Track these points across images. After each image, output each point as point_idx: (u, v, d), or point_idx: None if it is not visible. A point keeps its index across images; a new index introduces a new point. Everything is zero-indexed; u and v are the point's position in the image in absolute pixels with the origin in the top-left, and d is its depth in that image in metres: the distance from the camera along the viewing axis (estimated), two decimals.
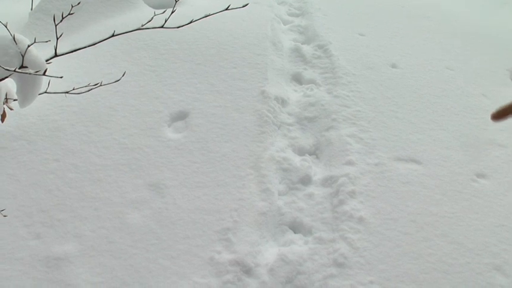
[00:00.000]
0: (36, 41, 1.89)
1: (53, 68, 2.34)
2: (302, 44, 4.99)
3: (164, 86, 3.91)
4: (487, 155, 3.54)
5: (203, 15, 2.31)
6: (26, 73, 1.82)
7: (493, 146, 3.64)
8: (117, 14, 5.16)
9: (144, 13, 5.10)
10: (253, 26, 4.90)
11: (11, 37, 1.82)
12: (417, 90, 4.24)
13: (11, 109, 2.02)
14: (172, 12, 2.18)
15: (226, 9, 2.32)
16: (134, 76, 4.00)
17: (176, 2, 2.21)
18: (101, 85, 2.59)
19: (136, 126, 3.47)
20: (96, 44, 2.16)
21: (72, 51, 2.14)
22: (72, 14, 2.18)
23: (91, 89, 2.55)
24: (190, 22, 2.31)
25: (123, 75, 3.20)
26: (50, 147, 3.27)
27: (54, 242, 2.68)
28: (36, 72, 1.84)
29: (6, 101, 1.99)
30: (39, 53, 1.89)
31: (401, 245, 2.72)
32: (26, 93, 1.90)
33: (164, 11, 2.46)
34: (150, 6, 5.50)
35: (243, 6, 2.41)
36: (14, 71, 1.78)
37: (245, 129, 3.48)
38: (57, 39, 2.00)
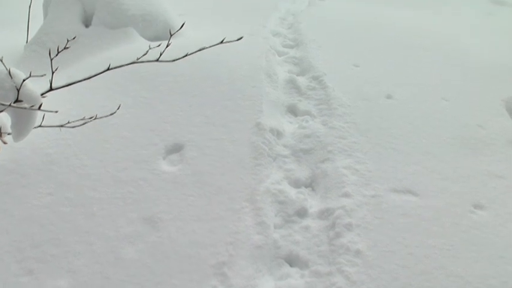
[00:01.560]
0: (32, 74, 1.92)
1: (47, 101, 2.37)
2: (297, 75, 5.06)
3: (159, 119, 3.94)
4: (484, 186, 3.56)
5: (198, 49, 2.36)
6: (21, 107, 1.84)
7: (490, 177, 3.66)
8: (112, 46, 5.23)
9: (139, 46, 5.17)
10: (248, 57, 4.97)
11: (6, 71, 1.85)
12: (413, 121, 4.28)
13: (5, 143, 2.04)
14: (167, 46, 2.23)
15: (221, 42, 2.37)
16: (129, 108, 4.03)
17: (171, 35, 2.26)
18: (95, 118, 2.62)
19: (130, 159, 3.48)
20: (91, 77, 2.20)
21: (67, 85, 2.17)
22: (67, 48, 2.22)
23: (86, 123, 2.58)
24: (185, 55, 2.36)
25: (118, 108, 3.23)
26: (44, 181, 3.27)
27: (47, 277, 2.66)
28: (32, 106, 1.86)
29: (0, 135, 2.01)
30: (35, 86, 1.92)
31: (399, 278, 2.71)
32: (20, 128, 1.92)
33: (159, 44, 2.51)
34: (146, 38, 5.58)
35: (238, 40, 2.46)
36: (9, 105, 1.81)
37: (240, 161, 3.50)
38: (53, 73, 2.04)
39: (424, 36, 6.62)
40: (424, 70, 5.42)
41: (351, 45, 6.01)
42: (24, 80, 1.86)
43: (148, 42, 5.32)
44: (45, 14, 5.92)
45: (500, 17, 8.41)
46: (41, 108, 1.89)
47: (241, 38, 2.49)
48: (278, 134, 3.94)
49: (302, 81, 4.90)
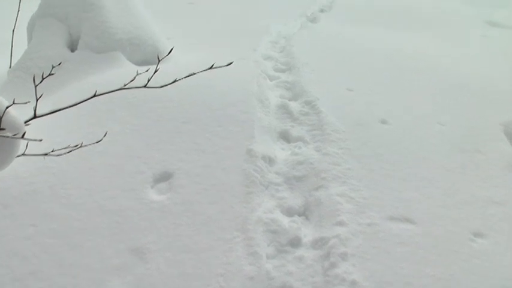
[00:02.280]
0: (15, 101, 1.93)
1: (32, 128, 2.38)
2: (289, 100, 5.11)
3: (147, 146, 3.95)
4: (484, 212, 3.58)
5: (187, 74, 2.38)
6: (4, 136, 1.84)
7: (490, 204, 3.68)
8: (99, 71, 5.27)
9: (127, 70, 5.21)
10: (239, 82, 5.02)
11: None
12: (408, 146, 4.32)
13: None
14: (155, 72, 2.25)
15: (211, 68, 2.40)
16: (116, 135, 4.05)
17: (159, 60, 2.28)
18: (81, 146, 2.62)
19: (117, 188, 3.48)
20: (77, 104, 2.21)
21: (52, 112, 2.18)
22: (52, 74, 2.24)
23: (71, 151, 2.58)
24: (174, 81, 2.38)
25: (105, 135, 3.24)
26: (27, 212, 3.26)
27: None
28: (15, 135, 1.87)
29: None
30: (18, 114, 1.93)
31: None
32: (2, 157, 1.92)
33: (147, 70, 2.53)
34: (133, 63, 5.63)
35: (228, 65, 2.49)
36: None
37: (231, 189, 3.51)
38: (37, 100, 2.05)
39: (418, 59, 6.72)
40: (419, 94, 5.48)
41: (345, 68, 6.09)
42: (7, 108, 1.86)
43: (136, 67, 5.37)
44: (30, 38, 5.96)
45: (496, 39, 8.56)
46: (25, 136, 1.90)
47: (231, 63, 2.52)
48: (270, 161, 3.96)
49: (294, 106, 4.95)
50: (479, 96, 5.60)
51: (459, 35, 8.66)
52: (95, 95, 2.19)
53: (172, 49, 2.32)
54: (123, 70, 5.28)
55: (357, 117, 4.71)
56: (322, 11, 10.78)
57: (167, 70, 4.68)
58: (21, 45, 6.14)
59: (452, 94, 5.59)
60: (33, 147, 3.29)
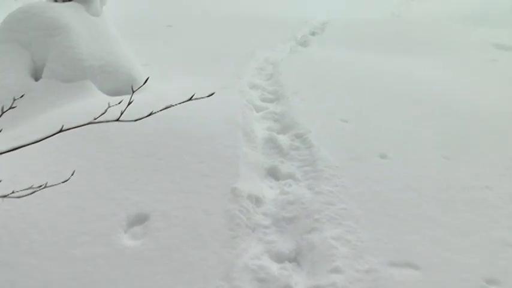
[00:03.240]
0: None
1: None
2: (278, 133, 5.16)
3: (120, 185, 3.95)
4: (497, 256, 3.57)
5: (165, 106, 2.41)
6: None
7: (502, 246, 3.68)
8: (66, 102, 5.29)
9: (97, 101, 5.22)
10: (222, 114, 5.06)
11: None
12: (410, 183, 4.35)
13: None
14: (129, 104, 2.28)
15: (190, 99, 2.43)
16: (85, 174, 4.04)
17: (134, 91, 2.31)
18: (45, 187, 2.62)
19: (87, 233, 3.46)
20: (41, 140, 2.22)
21: (13, 149, 2.20)
22: (13, 107, 2.25)
23: (34, 192, 2.58)
24: (150, 114, 2.41)
25: (73, 173, 3.24)
26: None
27: None
28: None
29: None
30: None
31: None
32: None
33: (121, 101, 2.55)
34: (105, 93, 5.65)
35: (209, 96, 2.53)
36: None
37: (214, 233, 3.50)
38: None
39: (420, 86, 6.82)
40: (420, 125, 5.55)
41: (339, 97, 6.17)
42: None
43: (108, 98, 5.38)
44: None
45: (505, 64, 8.69)
46: None
47: (212, 93, 2.55)
48: (257, 201, 3.97)
49: (284, 139, 4.99)
50: (487, 126, 5.66)
51: (465, 60, 8.79)
52: (61, 130, 2.21)
53: (148, 79, 2.35)
54: (94, 101, 5.30)
55: (353, 151, 4.75)
56: (313, 33, 10.98)
57: (143, 100, 4.72)
58: None
59: (458, 125, 5.64)
60: None
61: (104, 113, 2.31)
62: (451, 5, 15.61)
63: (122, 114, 2.26)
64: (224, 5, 14.33)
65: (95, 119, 2.30)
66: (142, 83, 2.36)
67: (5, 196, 2.36)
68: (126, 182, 3.99)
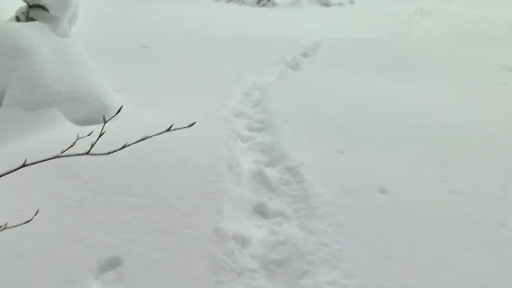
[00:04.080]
0: None
1: None
2: (266, 166, 5.18)
3: (90, 226, 3.94)
4: None
5: (140, 138, 2.44)
6: None
7: None
8: (30, 133, 5.28)
9: (65, 132, 5.23)
10: (203, 145, 5.09)
11: None
12: (414, 220, 4.36)
13: None
14: (100, 135, 2.30)
15: (169, 129, 2.46)
16: (51, 213, 4.03)
17: (106, 121, 2.33)
18: (5, 228, 2.62)
19: (53, 279, 3.45)
20: (1, 176, 2.24)
21: None
22: None
23: None
24: (124, 146, 2.43)
25: (36, 213, 3.24)
26: None
27: None
28: None
29: None
30: None
31: None
32: None
33: (91, 133, 2.58)
34: (74, 122, 5.64)
35: (190, 126, 2.56)
36: None
37: (195, 278, 3.50)
38: None
39: (423, 113, 6.88)
40: (425, 156, 5.59)
41: (333, 126, 6.21)
42: None
43: (78, 128, 5.39)
44: None
45: None
46: None
47: (193, 123, 2.58)
48: (244, 241, 3.98)
49: (273, 173, 5.01)
50: (497, 157, 5.71)
51: (473, 83, 8.88)
52: (24, 165, 2.22)
53: (122, 107, 2.38)
54: (61, 132, 5.31)
55: (350, 186, 4.78)
56: (305, 55, 11.10)
57: (116, 130, 4.74)
58: None
59: (465, 156, 5.68)
60: None
61: (72, 145, 2.33)
62: (454, 24, 15.89)
63: (92, 146, 2.28)
64: (207, 24, 14.49)
65: (62, 152, 2.31)
66: (115, 111, 2.38)
67: None
68: (97, 222, 3.98)
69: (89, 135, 2.59)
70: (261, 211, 4.51)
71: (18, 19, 6.26)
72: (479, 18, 17.14)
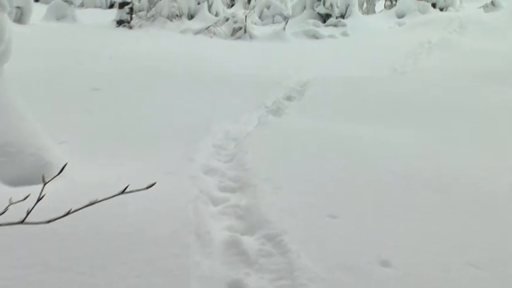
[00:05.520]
0: None
1: None
2: (242, 234, 5.17)
3: None
4: None
5: (88, 202, 2.45)
6: None
7: None
8: None
9: None
10: (166, 210, 5.08)
11: None
12: None
13: None
14: (39, 199, 2.31)
15: (123, 192, 2.47)
16: None
17: (46, 182, 2.34)
18: None
19: None
20: None
21: None
22: None
23: None
24: (68, 213, 2.44)
25: None
26: None
27: None
28: None
29: None
30: None
31: None
32: None
33: (27, 196, 2.57)
34: (5, 183, 5.60)
35: (149, 187, 2.58)
36: None
37: None
38: None
39: (431, 168, 6.90)
40: (435, 220, 5.56)
41: (324, 185, 6.22)
42: None
43: (10, 190, 5.35)
44: None
45: None
46: None
47: (153, 184, 2.61)
48: None
49: (250, 243, 5.00)
50: None
51: (492, 130, 8.91)
52: None
53: (66, 164, 2.40)
54: None
55: (345, 258, 4.77)
56: (289, 98, 11.16)
57: (59, 192, 4.74)
58: None
59: (485, 219, 5.67)
60: None
61: (3, 212, 2.33)
62: (467, 58, 16.11)
63: (28, 213, 2.28)
64: (171, 61, 14.56)
65: None
66: (58, 169, 2.38)
67: None
68: None
69: (24, 199, 2.59)
70: None
71: None
72: (497, 52, 17.41)
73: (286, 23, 25.38)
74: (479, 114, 10.00)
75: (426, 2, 34.23)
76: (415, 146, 7.82)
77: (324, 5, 29.13)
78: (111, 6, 31.26)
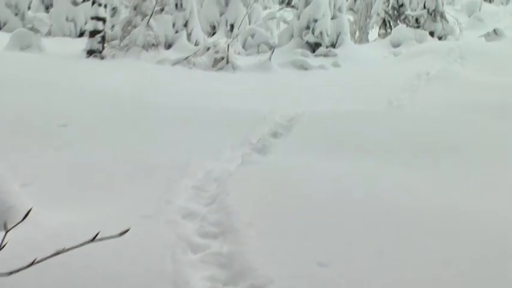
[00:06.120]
0: None
1: None
2: (224, 285, 5.15)
3: None
4: None
5: (55, 251, 2.45)
6: None
7: None
8: None
9: None
10: (141, 258, 5.06)
11: None
12: None
13: None
14: (1, 248, 2.32)
15: (93, 240, 2.48)
16: None
17: (8, 230, 2.35)
18: None
19: None
20: None
21: None
22: None
23: None
24: (32, 263, 2.44)
25: None
26: None
27: None
28: None
29: None
30: None
31: None
32: None
33: None
34: None
35: (122, 234, 2.59)
36: None
37: None
38: None
39: (436, 212, 6.84)
40: (445, 269, 5.51)
41: (313, 230, 6.20)
42: None
43: None
44: None
45: None
46: None
47: (127, 230, 2.62)
48: None
49: None
50: None
51: (502, 173, 8.91)
52: None
53: (31, 209, 2.41)
54: None
55: None
56: (275, 135, 11.14)
57: (23, 240, 4.72)
58: None
59: (502, 268, 5.64)
60: None
61: None
62: (463, 92, 16.17)
63: None
64: (145, 94, 14.57)
65: None
66: (22, 215, 2.38)
67: None
68: None
69: None
70: None
71: None
72: (500, 85, 17.48)
73: (272, 53, 25.11)
74: (482, 154, 10.00)
75: (423, 31, 34.33)
76: (417, 188, 7.78)
77: (313, 33, 28.90)
78: (81, 34, 30.99)
